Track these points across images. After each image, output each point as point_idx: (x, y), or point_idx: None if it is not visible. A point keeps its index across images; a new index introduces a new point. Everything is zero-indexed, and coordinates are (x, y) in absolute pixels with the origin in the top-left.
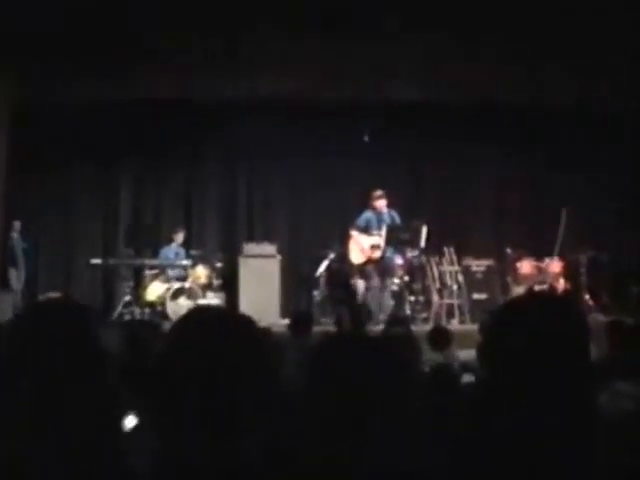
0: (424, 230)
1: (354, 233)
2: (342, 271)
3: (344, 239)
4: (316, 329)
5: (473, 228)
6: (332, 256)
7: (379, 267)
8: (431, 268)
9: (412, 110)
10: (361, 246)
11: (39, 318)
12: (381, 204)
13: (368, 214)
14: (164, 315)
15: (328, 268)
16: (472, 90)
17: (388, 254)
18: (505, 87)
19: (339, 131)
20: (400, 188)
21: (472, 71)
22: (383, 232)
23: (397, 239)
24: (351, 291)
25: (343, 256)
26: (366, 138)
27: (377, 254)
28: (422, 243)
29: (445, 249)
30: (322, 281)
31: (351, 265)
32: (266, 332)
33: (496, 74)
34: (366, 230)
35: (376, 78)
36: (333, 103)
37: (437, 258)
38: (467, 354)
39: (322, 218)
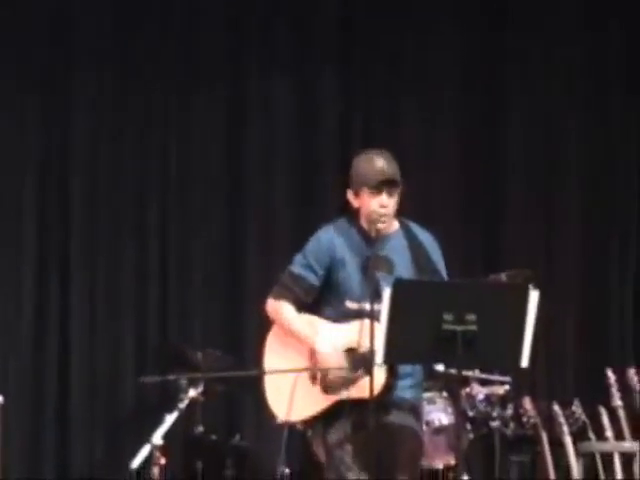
0: (532, 299)
1: (283, 313)
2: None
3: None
4: None
5: None
6: (186, 399)
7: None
8: (553, 440)
9: None
10: (310, 357)
11: None
12: (383, 204)
13: (333, 238)
14: None
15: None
16: None
17: (402, 391)
18: None
19: None
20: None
21: None
22: (385, 304)
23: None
24: None
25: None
26: None
27: (363, 384)
28: (524, 357)
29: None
30: None
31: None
32: None
33: None
34: (326, 293)
35: None
36: None
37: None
38: None
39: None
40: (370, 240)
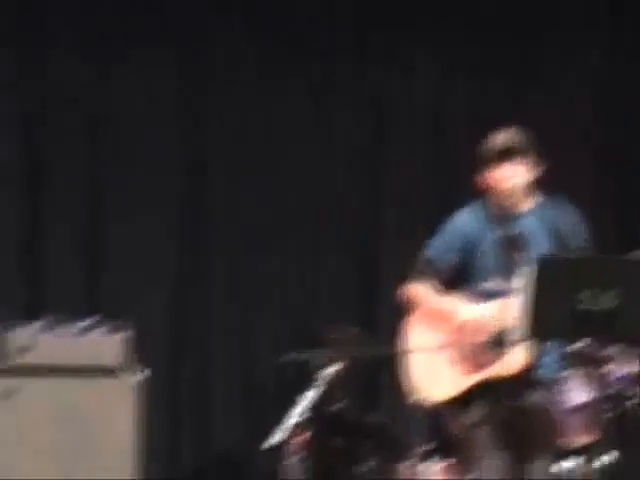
0: None
1: (422, 295)
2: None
3: (392, 307)
4: None
5: None
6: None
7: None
8: None
9: None
10: (456, 333)
11: None
12: (504, 176)
13: (467, 220)
14: None
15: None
16: None
17: (545, 367)
18: None
19: None
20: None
21: None
22: (529, 280)
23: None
24: None
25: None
26: None
27: (502, 361)
28: None
29: None
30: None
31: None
32: None
33: None
34: (462, 276)
35: None
36: None
37: None
38: None
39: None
40: (503, 219)
